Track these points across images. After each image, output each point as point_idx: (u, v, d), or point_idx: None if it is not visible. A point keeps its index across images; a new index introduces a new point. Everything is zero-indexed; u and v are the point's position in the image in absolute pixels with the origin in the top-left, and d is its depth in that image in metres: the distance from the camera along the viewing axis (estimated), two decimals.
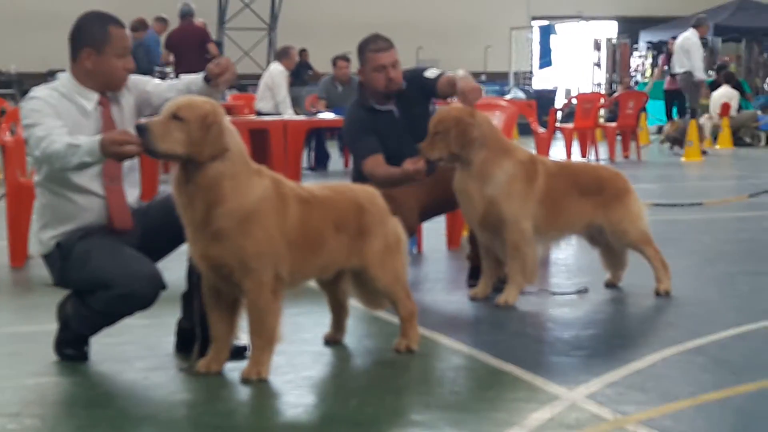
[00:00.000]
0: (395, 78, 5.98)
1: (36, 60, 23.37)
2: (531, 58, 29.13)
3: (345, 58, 13.99)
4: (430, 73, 6.04)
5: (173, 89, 4.55)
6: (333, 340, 4.79)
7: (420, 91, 6.04)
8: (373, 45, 5.99)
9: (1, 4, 25.25)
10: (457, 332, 5.04)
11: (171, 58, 15.30)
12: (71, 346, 4.49)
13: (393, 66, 5.97)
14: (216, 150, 4.01)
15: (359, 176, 5.97)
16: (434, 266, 7.06)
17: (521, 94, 23.73)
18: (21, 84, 23.38)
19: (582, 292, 5.94)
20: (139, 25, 15.40)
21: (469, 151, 5.50)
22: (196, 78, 4.55)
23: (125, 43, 4.48)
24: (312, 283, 4.70)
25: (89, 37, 4.45)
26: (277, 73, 14.06)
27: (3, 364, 4.52)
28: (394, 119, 6.06)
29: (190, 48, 14.89)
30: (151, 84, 4.63)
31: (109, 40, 4.44)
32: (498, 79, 26.96)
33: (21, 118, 4.39)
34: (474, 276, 5.99)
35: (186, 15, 15.20)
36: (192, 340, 4.40)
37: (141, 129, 4.02)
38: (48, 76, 22.61)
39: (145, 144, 4.00)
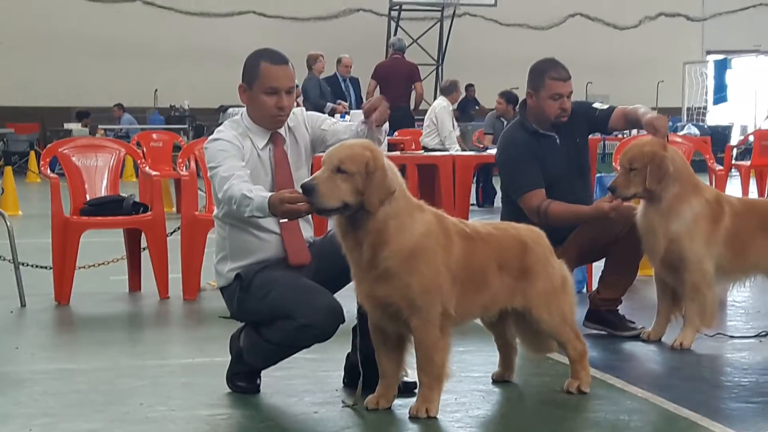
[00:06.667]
0: (568, 109, 5.78)
1: (208, 96, 24.09)
2: (705, 94, 28.40)
3: (502, 94, 13.96)
4: (600, 106, 5.90)
5: (348, 131, 4.55)
6: (502, 379, 4.72)
7: (586, 122, 5.89)
8: (554, 72, 5.74)
9: (174, 41, 26.16)
10: (629, 375, 4.90)
11: (376, 88, 15.13)
12: (243, 379, 4.55)
13: (568, 97, 5.79)
14: (384, 195, 3.99)
15: (510, 211, 5.67)
16: None
17: (695, 130, 23.14)
18: (194, 119, 24.13)
19: (762, 336, 5.69)
20: (313, 61, 15.48)
21: (663, 187, 5.36)
22: (360, 122, 4.52)
23: (275, 81, 4.42)
24: (480, 321, 4.64)
25: (244, 72, 4.51)
26: (440, 108, 13.98)
27: (176, 394, 4.60)
28: (556, 145, 5.82)
29: (397, 82, 14.96)
30: (327, 123, 4.65)
31: (258, 76, 4.45)
32: (670, 114, 26.38)
33: (206, 160, 4.43)
34: None
35: (399, 49, 15.29)
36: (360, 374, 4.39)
37: (307, 189, 3.95)
38: (220, 111, 23.33)
39: (314, 204, 3.95)
